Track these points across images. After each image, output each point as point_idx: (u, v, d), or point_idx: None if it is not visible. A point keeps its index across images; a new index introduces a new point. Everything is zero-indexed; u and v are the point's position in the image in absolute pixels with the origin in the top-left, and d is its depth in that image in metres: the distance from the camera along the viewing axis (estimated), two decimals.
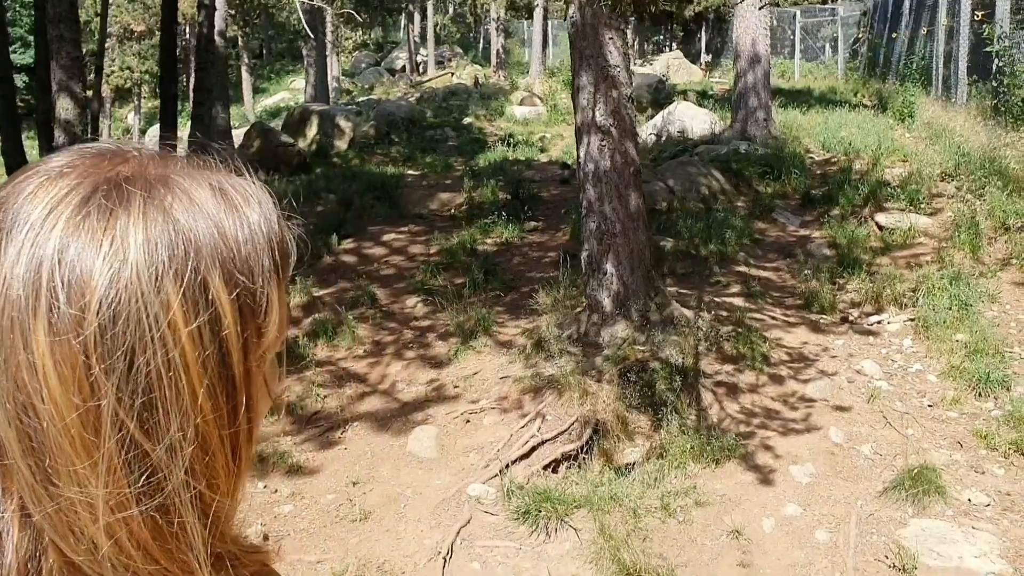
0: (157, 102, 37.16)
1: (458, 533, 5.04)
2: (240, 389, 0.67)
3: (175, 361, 0.62)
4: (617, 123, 6.62)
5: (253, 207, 0.69)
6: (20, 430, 0.61)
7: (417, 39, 34.27)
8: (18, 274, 0.60)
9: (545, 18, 28.78)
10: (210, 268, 0.64)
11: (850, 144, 13.20)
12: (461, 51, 36.89)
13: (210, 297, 0.64)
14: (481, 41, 39.62)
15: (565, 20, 6.28)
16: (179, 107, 16.24)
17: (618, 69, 6.53)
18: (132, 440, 0.61)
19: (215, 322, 0.64)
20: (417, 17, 34.50)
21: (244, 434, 0.69)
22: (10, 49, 15.55)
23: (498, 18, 29.73)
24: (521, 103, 22.18)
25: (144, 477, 0.62)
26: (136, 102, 33.24)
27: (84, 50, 14.50)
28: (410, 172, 15.29)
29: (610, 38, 6.45)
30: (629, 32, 28.48)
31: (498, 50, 29.74)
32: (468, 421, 6.24)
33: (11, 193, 0.64)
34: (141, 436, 0.61)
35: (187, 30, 30.53)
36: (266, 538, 5.02)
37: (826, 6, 27.67)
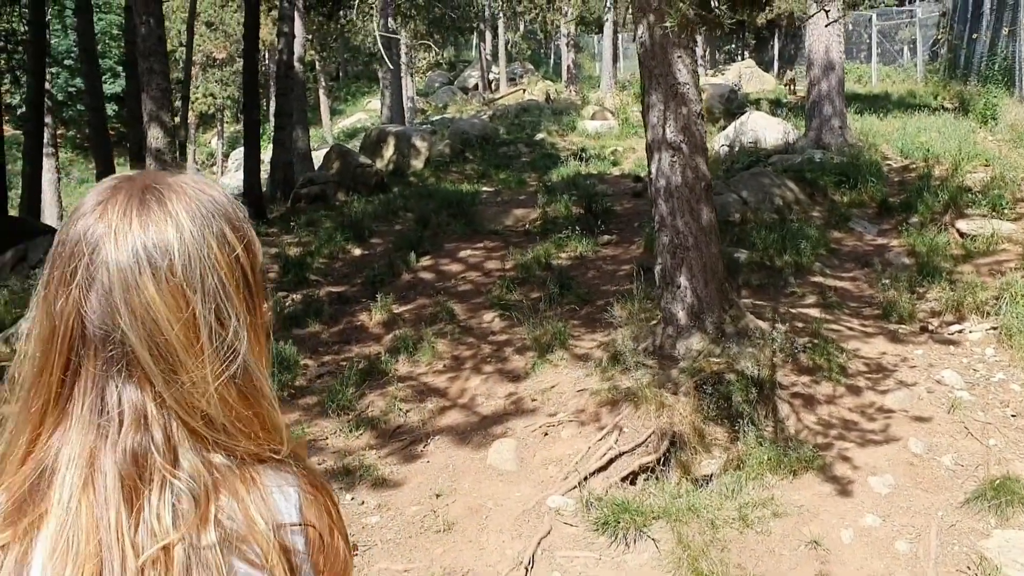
0: (238, 126, 38.36)
1: (539, 543, 5.17)
2: (255, 292, 1.07)
3: (223, 278, 1.01)
4: (687, 139, 6.71)
5: (217, 186, 1.09)
6: (149, 346, 0.96)
7: (489, 57, 34.69)
8: (122, 254, 0.97)
9: (615, 32, 28.88)
10: (221, 222, 1.04)
11: (929, 150, 12.98)
12: (532, 67, 37.19)
13: (228, 238, 1.03)
14: (552, 57, 39.91)
15: (634, 41, 6.42)
16: (260, 131, 16.80)
17: (687, 86, 6.63)
18: (214, 331, 0.99)
19: (234, 253, 1.03)
20: (488, 35, 34.94)
21: (262, 322, 1.09)
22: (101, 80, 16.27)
23: (568, 34, 29.91)
24: (592, 117, 22.31)
25: (226, 353, 1.00)
26: (219, 127, 34.37)
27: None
28: (485, 189, 15.54)
29: (678, 56, 6.55)
30: (700, 41, 28.40)
31: (569, 65, 29.91)
32: (546, 434, 6.38)
33: (84, 212, 1.01)
34: (218, 327, 1.00)
35: (266, 55, 31.48)
36: (355, 548, 5.23)
37: (903, 8, 27.14)
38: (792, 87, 23.84)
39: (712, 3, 5.65)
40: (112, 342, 0.97)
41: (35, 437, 0.99)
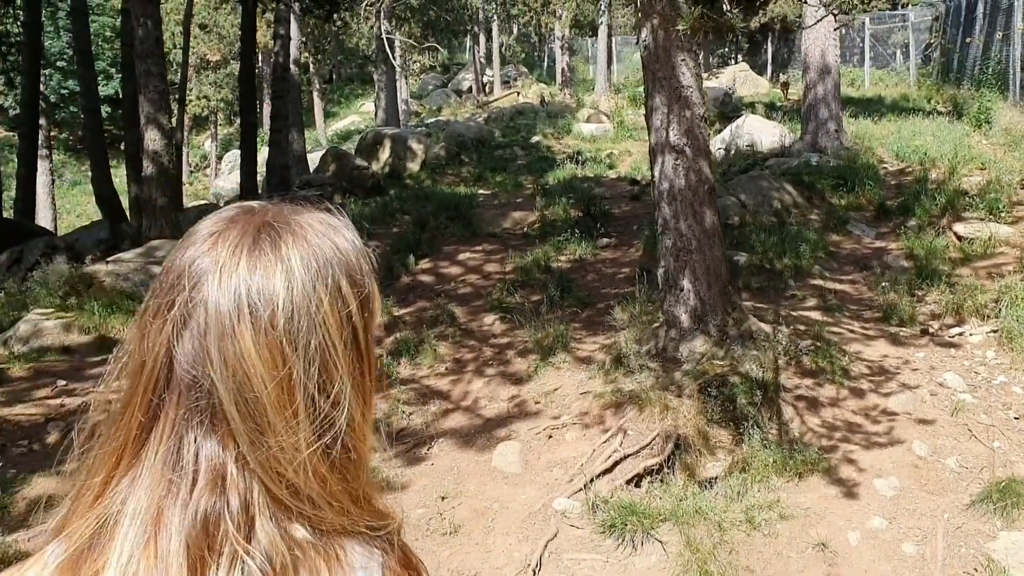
0: (232, 129, 38.30)
1: (546, 546, 5.17)
2: (364, 356, 0.96)
3: (330, 338, 0.91)
4: (691, 142, 6.73)
5: (347, 230, 0.99)
6: (238, 402, 0.87)
7: (483, 60, 34.71)
8: (224, 296, 0.89)
9: (609, 35, 28.93)
10: (339, 274, 0.93)
11: (925, 153, 13.05)
12: (526, 70, 37.23)
13: (343, 293, 0.93)
14: (546, 60, 39.94)
15: (637, 43, 6.42)
16: (256, 134, 16.79)
17: (691, 90, 6.65)
18: (311, 397, 0.90)
19: (347, 310, 0.93)
20: (482, 38, 34.97)
21: (370, 390, 0.98)
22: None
23: (563, 37, 29.96)
24: (588, 120, 22.33)
25: (322, 422, 0.91)
26: (212, 129, 34.30)
27: None
28: (481, 191, 15.54)
29: (682, 60, 6.57)
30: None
31: (563, 68, 29.96)
32: (551, 436, 6.38)
33: (195, 241, 0.93)
34: (317, 392, 0.90)
35: (260, 58, 31.43)
36: None
37: (896, 12, 27.26)
38: (785, 91, 23.88)
39: (724, 6, 5.66)
40: (199, 389, 0.88)
41: (108, 479, 0.91)
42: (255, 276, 0.89)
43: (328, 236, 0.95)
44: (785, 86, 24.32)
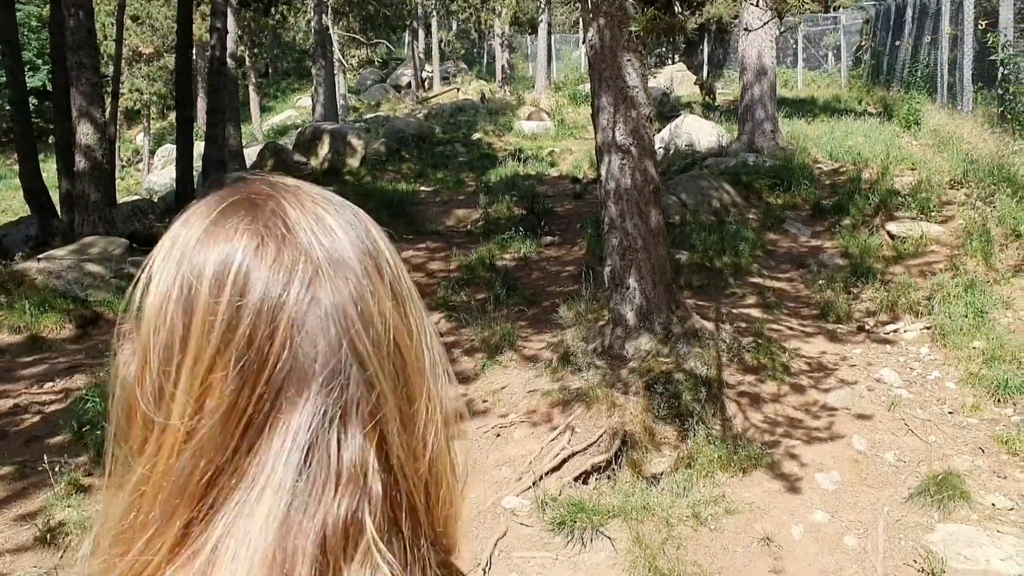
0: (165, 123, 37.47)
1: (496, 545, 5.18)
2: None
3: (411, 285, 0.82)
4: (636, 142, 6.79)
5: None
6: (391, 375, 0.76)
7: (422, 55, 34.53)
8: (351, 260, 0.77)
9: (549, 33, 29.03)
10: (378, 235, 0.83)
11: (858, 153, 13.37)
12: (466, 67, 37.14)
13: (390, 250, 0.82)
14: (485, 56, 39.91)
15: (577, 42, 6.43)
16: (193, 128, 16.46)
17: (636, 90, 6.71)
18: (434, 360, 0.80)
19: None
20: (422, 34, 34.78)
21: None
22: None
23: (502, 34, 29.97)
24: (528, 118, 22.39)
25: (441, 393, 0.80)
26: (145, 123, 33.51)
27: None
28: (423, 188, 15.48)
29: (628, 60, 6.62)
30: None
31: (503, 65, 29.97)
32: (499, 435, 6.39)
33: (283, 239, 0.76)
34: (436, 355, 0.81)
35: (195, 51, 30.82)
36: None
37: (828, 15, 27.87)
38: (703, 90, 23.48)
39: (676, 7, 5.73)
40: (339, 377, 0.74)
41: (189, 520, 0.74)
42: (350, 228, 0.78)
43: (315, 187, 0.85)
44: (703, 86, 23.88)
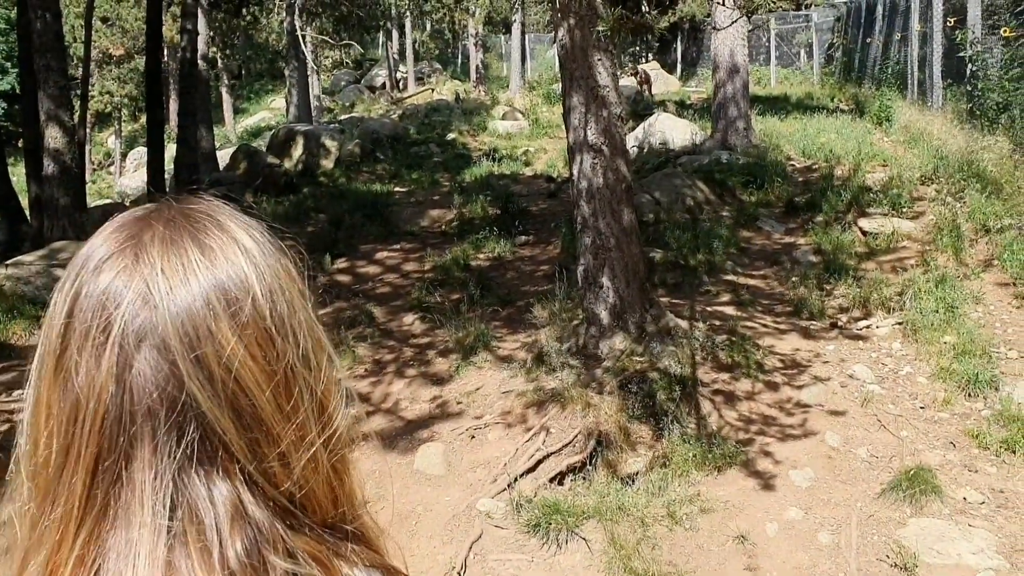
0: (136, 125, 37.13)
1: (471, 548, 5.15)
2: (321, 335, 0.85)
3: (305, 315, 0.82)
4: (608, 141, 6.78)
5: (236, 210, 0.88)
6: (235, 413, 0.75)
7: (396, 56, 34.43)
8: (185, 298, 0.75)
9: (523, 33, 29.02)
10: (279, 257, 0.83)
11: (831, 150, 13.45)
12: (440, 67, 37.05)
13: (292, 274, 0.83)
14: (460, 56, 39.83)
15: (551, 41, 6.42)
16: (164, 130, 16.32)
17: (607, 89, 6.70)
18: (308, 385, 0.80)
19: (298, 285, 0.83)
20: (395, 34, 34.68)
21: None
22: None
23: (476, 34, 29.93)
24: (503, 118, 22.36)
25: (319, 416, 0.81)
26: (116, 126, 33.18)
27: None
28: (398, 189, 15.41)
29: (599, 59, 6.61)
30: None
31: (477, 65, 29.92)
32: (473, 437, 6.36)
33: (97, 261, 0.77)
34: (313, 379, 0.80)
35: (166, 53, 30.55)
36: None
37: (800, 12, 28.04)
38: (640, 82, 22.69)
39: (643, 6, 5.72)
40: (179, 414, 0.73)
41: (57, 564, 0.74)
42: (216, 264, 0.77)
43: (239, 215, 0.85)
44: (643, 80, 23.24)
